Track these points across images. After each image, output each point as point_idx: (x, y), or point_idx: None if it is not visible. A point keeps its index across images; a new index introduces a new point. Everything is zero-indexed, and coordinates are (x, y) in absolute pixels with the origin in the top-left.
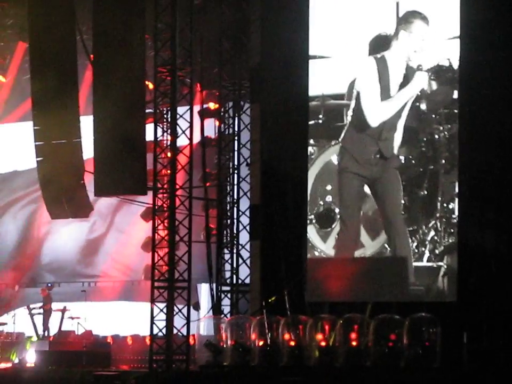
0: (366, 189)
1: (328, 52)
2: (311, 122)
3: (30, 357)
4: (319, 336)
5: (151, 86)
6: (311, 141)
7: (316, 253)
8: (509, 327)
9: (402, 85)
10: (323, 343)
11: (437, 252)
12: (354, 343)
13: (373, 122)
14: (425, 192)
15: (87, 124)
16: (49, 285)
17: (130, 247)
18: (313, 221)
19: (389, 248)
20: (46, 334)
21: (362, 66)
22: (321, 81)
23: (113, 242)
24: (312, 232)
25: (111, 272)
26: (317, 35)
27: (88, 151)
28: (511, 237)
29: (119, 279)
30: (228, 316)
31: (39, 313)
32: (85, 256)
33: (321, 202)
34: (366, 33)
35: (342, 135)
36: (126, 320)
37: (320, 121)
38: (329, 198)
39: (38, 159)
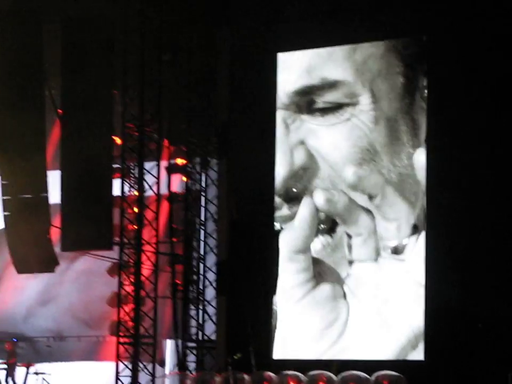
0: None
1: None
2: None
3: None
4: None
5: (118, 141)
6: None
7: None
8: None
9: None
10: None
11: None
12: None
13: None
14: None
15: (54, 179)
16: (15, 340)
17: (96, 302)
18: None
19: None
20: None
21: None
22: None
23: (78, 297)
24: None
25: (76, 328)
26: (285, 91)
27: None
28: (478, 297)
29: (83, 335)
30: (193, 372)
31: (4, 368)
32: (47, 311)
33: None
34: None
35: None
36: (91, 377)
37: None
38: None
39: (5, 213)
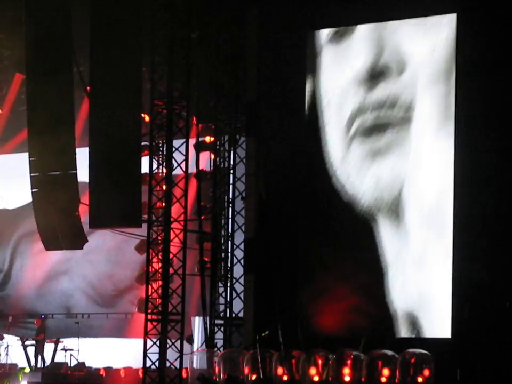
0: None
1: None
2: None
3: None
4: (312, 371)
5: (147, 118)
6: None
7: None
8: (502, 365)
9: None
10: (316, 378)
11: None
12: (347, 378)
13: None
14: None
15: (82, 156)
16: (43, 316)
17: (124, 279)
18: None
19: None
20: (39, 365)
21: None
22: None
23: (107, 274)
24: None
25: (104, 305)
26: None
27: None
28: (506, 273)
29: (112, 312)
30: (221, 349)
31: (32, 344)
32: (77, 288)
33: None
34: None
35: None
36: (119, 353)
37: None
38: None
39: (33, 190)
